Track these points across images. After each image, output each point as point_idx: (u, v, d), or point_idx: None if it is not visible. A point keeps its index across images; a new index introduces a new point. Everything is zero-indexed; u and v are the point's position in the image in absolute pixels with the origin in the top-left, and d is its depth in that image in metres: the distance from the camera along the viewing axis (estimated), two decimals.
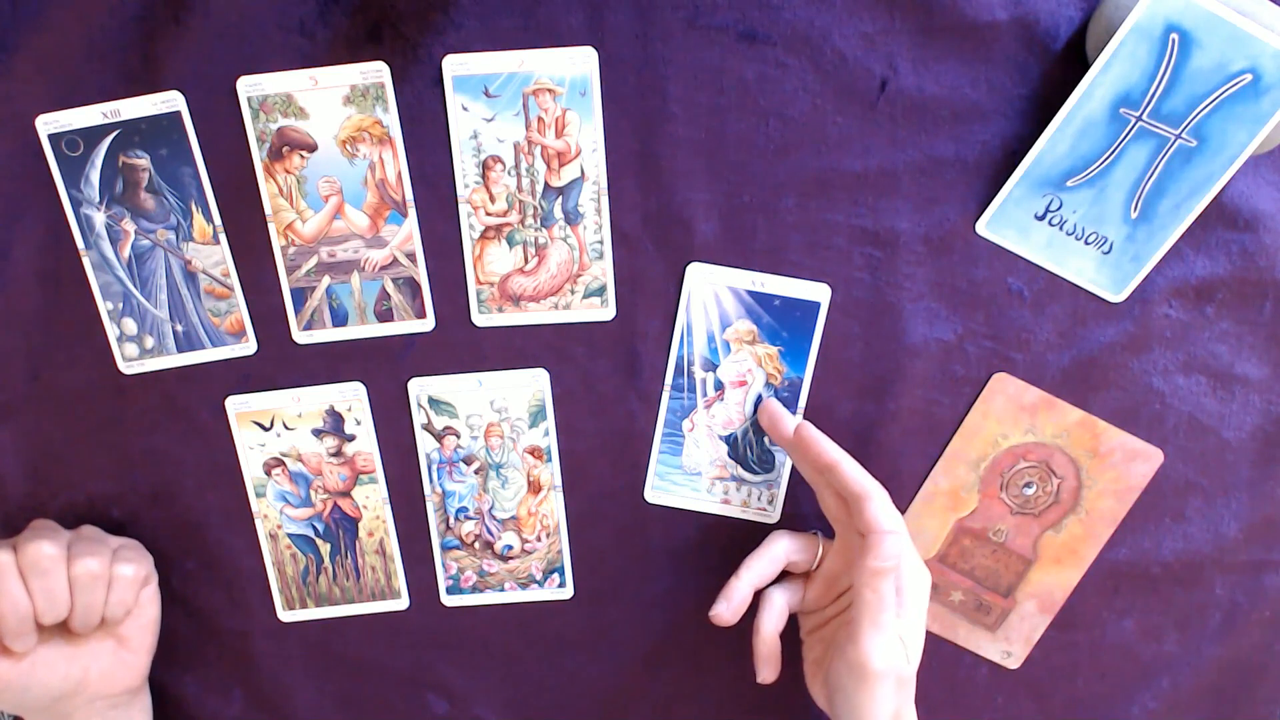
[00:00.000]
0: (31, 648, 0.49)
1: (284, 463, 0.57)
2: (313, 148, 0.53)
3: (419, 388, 0.56)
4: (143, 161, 0.53)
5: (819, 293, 0.54)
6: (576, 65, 0.52)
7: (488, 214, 0.54)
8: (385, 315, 0.55)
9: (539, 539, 0.59)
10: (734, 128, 0.52)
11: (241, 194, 0.54)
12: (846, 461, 0.49)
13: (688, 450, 0.57)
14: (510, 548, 0.59)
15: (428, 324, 0.55)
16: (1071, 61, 0.51)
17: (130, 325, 0.55)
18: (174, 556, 0.58)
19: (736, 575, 0.52)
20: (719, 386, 0.56)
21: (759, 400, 0.56)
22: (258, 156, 0.53)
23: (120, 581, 0.51)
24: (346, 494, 0.58)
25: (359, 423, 0.57)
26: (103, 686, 0.53)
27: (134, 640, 0.54)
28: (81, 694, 0.52)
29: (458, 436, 0.57)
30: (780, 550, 0.53)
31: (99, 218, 0.54)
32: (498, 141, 0.53)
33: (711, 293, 0.55)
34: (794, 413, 0.56)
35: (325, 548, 0.59)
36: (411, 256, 0.54)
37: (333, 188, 0.54)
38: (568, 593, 0.59)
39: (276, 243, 0.54)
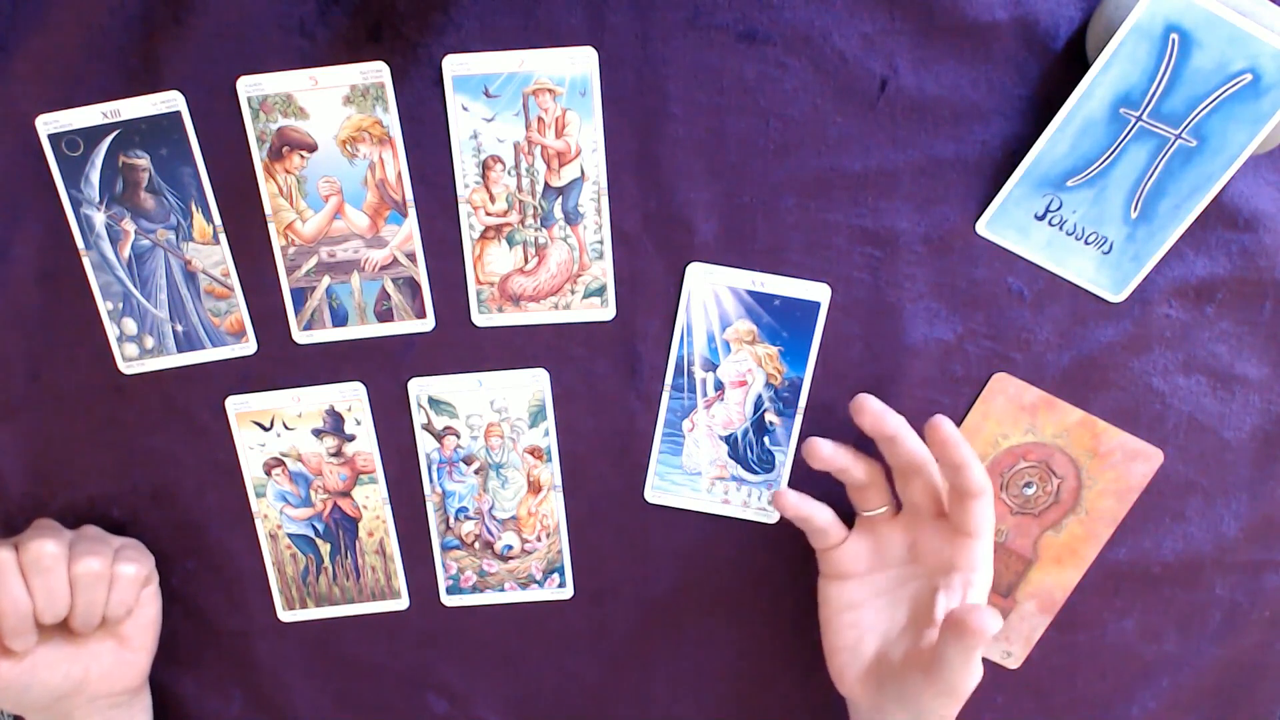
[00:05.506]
0: (31, 647, 0.49)
1: (284, 463, 0.57)
2: (313, 148, 0.53)
3: (419, 388, 0.56)
4: (143, 161, 0.53)
5: (819, 293, 0.54)
6: (576, 65, 0.52)
7: (488, 214, 0.54)
8: (385, 315, 0.55)
9: (539, 539, 0.59)
10: (734, 128, 0.52)
11: (241, 194, 0.54)
12: (974, 461, 0.48)
13: (688, 450, 0.57)
14: (510, 548, 0.59)
15: (428, 324, 0.55)
16: (1071, 61, 0.51)
17: (130, 325, 0.55)
18: (174, 556, 0.58)
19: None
20: (719, 386, 0.56)
21: (759, 401, 0.56)
22: (258, 156, 0.53)
23: (122, 581, 0.51)
24: (346, 494, 0.58)
25: (359, 423, 0.57)
26: (103, 686, 0.53)
27: (135, 640, 0.54)
28: (82, 693, 0.52)
29: (458, 436, 0.57)
30: (826, 514, 0.53)
31: (99, 218, 0.54)
32: (498, 141, 0.53)
33: (711, 293, 0.55)
34: (794, 413, 0.56)
35: (325, 548, 0.59)
36: (411, 256, 0.55)
37: (333, 188, 0.54)
38: (568, 593, 0.59)
39: (276, 243, 0.54)
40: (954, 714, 0.48)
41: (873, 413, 0.49)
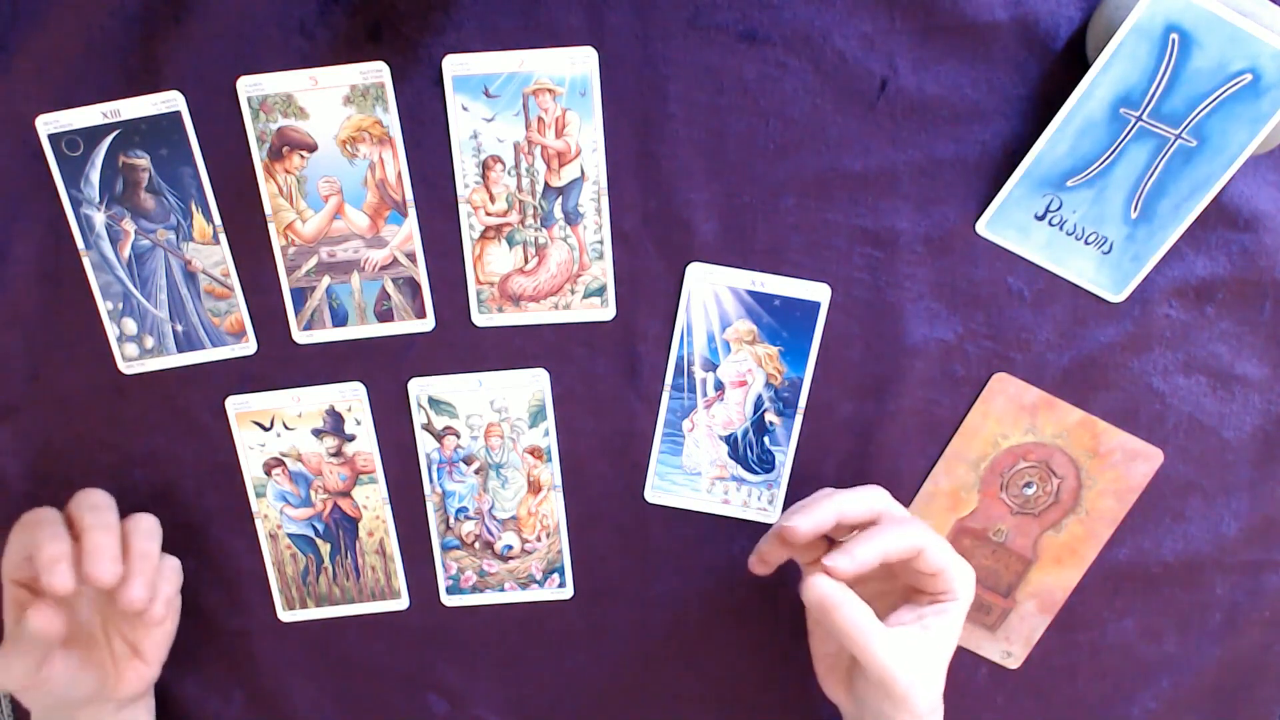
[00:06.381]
0: (71, 585, 0.46)
1: (284, 463, 0.57)
2: (313, 148, 0.53)
3: (419, 388, 0.56)
4: (143, 161, 0.53)
5: (819, 293, 0.54)
6: (576, 65, 0.52)
7: (488, 214, 0.54)
8: (385, 315, 0.55)
9: (539, 539, 0.59)
10: (734, 128, 0.52)
11: (241, 194, 0.54)
12: (889, 542, 0.46)
13: (688, 450, 0.57)
14: (510, 548, 0.59)
15: (428, 324, 0.55)
16: (1071, 61, 0.51)
17: (130, 325, 0.55)
18: (174, 556, 0.58)
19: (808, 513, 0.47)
20: (719, 386, 0.56)
21: (759, 401, 0.56)
22: (258, 156, 0.53)
23: (168, 569, 0.52)
24: (346, 494, 0.58)
25: (359, 423, 0.57)
26: (114, 694, 0.54)
27: (150, 654, 0.54)
28: (93, 701, 0.53)
29: (458, 436, 0.57)
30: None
31: (99, 218, 0.54)
32: (498, 141, 0.53)
33: (711, 293, 0.55)
34: (794, 413, 0.56)
35: (325, 548, 0.59)
36: (411, 256, 0.55)
37: (333, 188, 0.54)
38: (568, 593, 0.59)
39: (276, 243, 0.54)
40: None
41: (805, 529, 0.46)
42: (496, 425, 0.57)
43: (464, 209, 0.54)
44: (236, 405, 0.56)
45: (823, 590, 0.45)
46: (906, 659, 0.46)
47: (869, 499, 0.49)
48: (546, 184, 0.54)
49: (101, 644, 0.53)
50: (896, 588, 0.51)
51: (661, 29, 0.51)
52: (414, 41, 0.51)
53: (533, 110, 0.52)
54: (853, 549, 0.45)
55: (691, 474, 0.57)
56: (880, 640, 0.45)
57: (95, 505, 0.49)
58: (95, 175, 0.53)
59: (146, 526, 0.51)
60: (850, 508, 0.47)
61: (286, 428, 0.57)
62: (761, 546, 0.50)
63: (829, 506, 0.47)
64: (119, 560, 0.47)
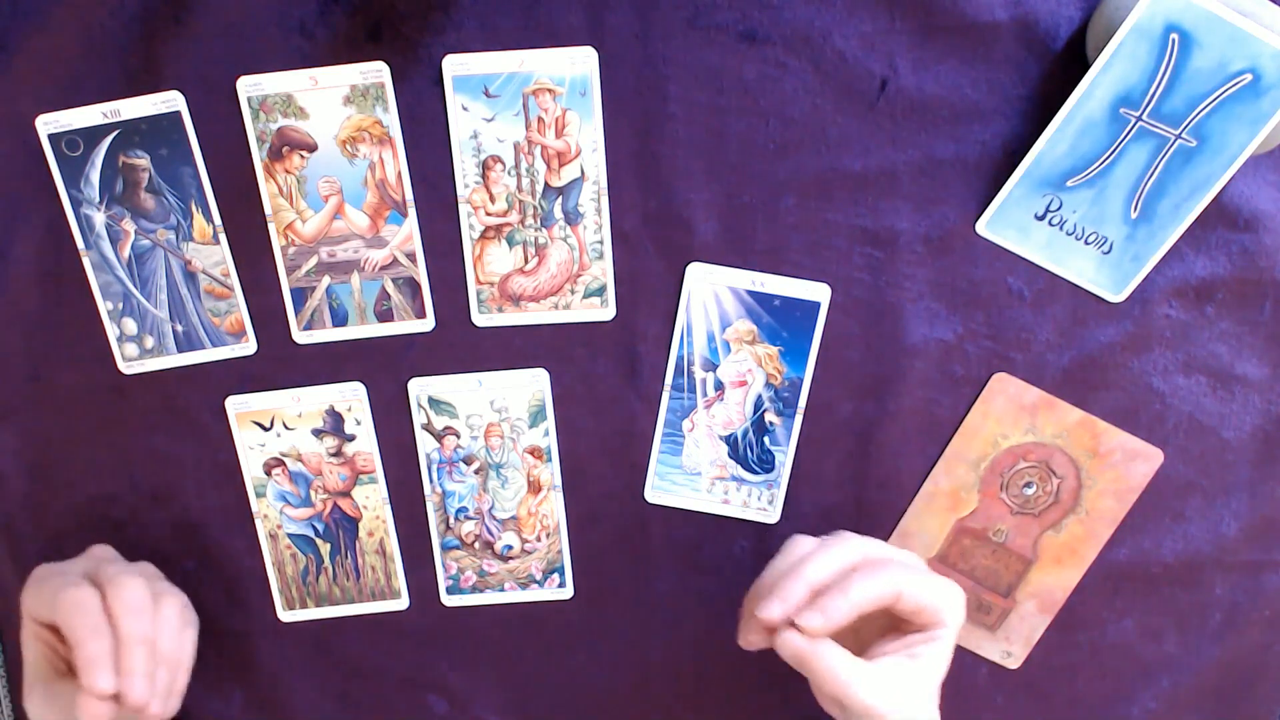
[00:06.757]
0: (112, 690, 0.45)
1: (284, 463, 0.57)
2: (313, 148, 0.53)
3: (419, 388, 0.56)
4: (143, 161, 0.53)
5: (819, 293, 0.54)
6: (576, 65, 0.52)
7: (488, 214, 0.54)
8: (385, 315, 0.55)
9: (539, 539, 0.59)
10: (734, 128, 0.52)
11: (241, 194, 0.54)
12: (861, 597, 0.45)
13: (688, 450, 0.57)
14: (510, 548, 0.59)
15: (428, 324, 0.55)
16: (1071, 61, 0.51)
17: (130, 325, 0.55)
18: (174, 556, 0.58)
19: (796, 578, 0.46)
20: (719, 386, 0.56)
21: (759, 401, 0.56)
22: (258, 156, 0.53)
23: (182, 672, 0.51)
24: (346, 494, 0.58)
25: (359, 423, 0.57)
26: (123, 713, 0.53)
27: (175, 689, 0.53)
28: None
29: (458, 436, 0.57)
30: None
31: (99, 218, 0.54)
32: (498, 141, 0.53)
33: (711, 293, 0.55)
34: (794, 413, 0.56)
35: (325, 548, 0.59)
36: (411, 256, 0.55)
37: (333, 188, 0.54)
38: (568, 593, 0.59)
39: (276, 243, 0.54)
40: None
41: (780, 616, 0.45)
42: (496, 425, 0.57)
43: (464, 209, 0.54)
44: (236, 405, 0.56)
45: (796, 644, 0.44)
46: (891, 693, 0.45)
47: (837, 558, 0.47)
48: (546, 184, 0.54)
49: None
50: (884, 614, 0.49)
51: (661, 29, 0.51)
52: (414, 41, 0.51)
53: (533, 110, 0.52)
54: (826, 606, 0.44)
55: (691, 474, 0.57)
56: (861, 681, 0.44)
57: (133, 608, 0.47)
58: (95, 175, 0.53)
59: (172, 626, 0.49)
60: (820, 575, 0.46)
61: (286, 428, 0.57)
62: (749, 635, 0.48)
63: (798, 585, 0.45)
64: (153, 678, 0.47)
